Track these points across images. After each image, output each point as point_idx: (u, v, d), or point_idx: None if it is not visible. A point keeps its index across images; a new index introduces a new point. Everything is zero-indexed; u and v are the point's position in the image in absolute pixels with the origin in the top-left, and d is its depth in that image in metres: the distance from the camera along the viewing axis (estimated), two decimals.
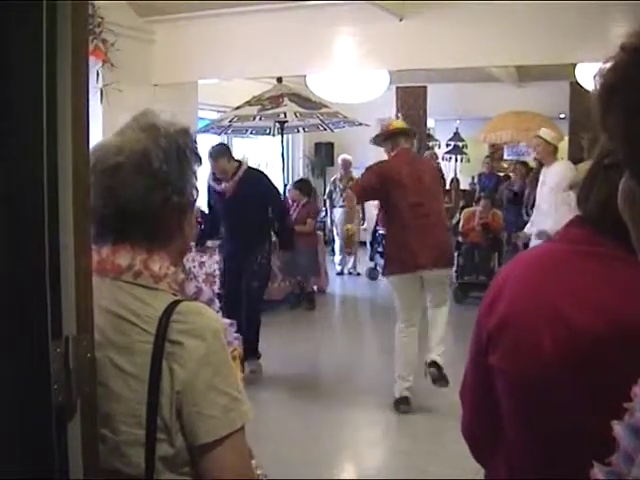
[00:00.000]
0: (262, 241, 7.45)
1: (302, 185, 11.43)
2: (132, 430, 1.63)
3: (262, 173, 7.87)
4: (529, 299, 1.50)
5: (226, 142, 13.29)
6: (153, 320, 1.64)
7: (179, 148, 1.78)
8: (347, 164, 13.50)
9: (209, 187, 7.47)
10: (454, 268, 11.70)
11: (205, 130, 10.67)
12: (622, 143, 0.94)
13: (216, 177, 7.38)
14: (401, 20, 7.96)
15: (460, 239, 11.67)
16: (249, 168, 7.59)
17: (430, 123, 16.84)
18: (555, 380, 1.44)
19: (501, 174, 15.30)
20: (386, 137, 6.76)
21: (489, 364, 1.59)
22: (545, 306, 1.46)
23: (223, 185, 7.34)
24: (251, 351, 7.16)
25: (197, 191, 1.87)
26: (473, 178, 15.75)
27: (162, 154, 1.74)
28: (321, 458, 5.52)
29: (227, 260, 7.70)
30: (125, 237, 1.75)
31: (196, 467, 1.66)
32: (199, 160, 1.87)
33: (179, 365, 1.61)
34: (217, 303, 1.84)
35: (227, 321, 1.77)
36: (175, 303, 1.68)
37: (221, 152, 7.45)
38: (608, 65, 0.96)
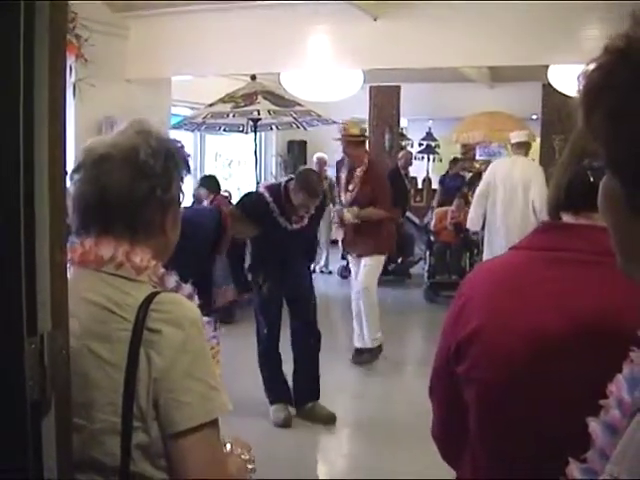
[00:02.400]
0: None
1: (208, 182, 10.65)
2: (109, 418, 1.64)
3: None
4: (497, 309, 1.51)
5: (199, 138, 13.33)
6: (132, 309, 1.67)
7: (168, 150, 1.83)
8: (322, 163, 13.51)
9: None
10: (426, 267, 11.80)
11: (178, 127, 10.62)
12: (606, 144, 0.95)
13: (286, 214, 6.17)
14: (375, 20, 7.99)
15: (432, 238, 11.73)
16: None
17: (403, 122, 16.90)
18: (526, 387, 1.45)
19: (469, 174, 15.36)
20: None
21: (457, 374, 1.60)
22: (513, 316, 1.48)
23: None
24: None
25: (182, 194, 1.91)
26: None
27: (150, 150, 1.79)
28: None
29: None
30: (108, 230, 1.78)
31: (169, 459, 1.66)
32: (187, 168, 1.91)
33: (157, 353, 1.63)
34: (196, 299, 1.86)
35: (205, 318, 1.78)
36: (155, 293, 1.71)
37: None
38: (592, 66, 0.97)
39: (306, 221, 6.23)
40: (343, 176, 8.13)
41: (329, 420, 6.20)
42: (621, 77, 0.92)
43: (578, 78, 0.99)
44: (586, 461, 1.01)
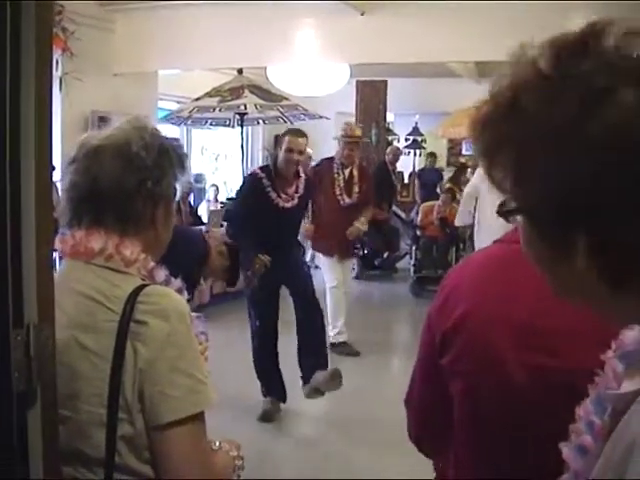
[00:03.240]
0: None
1: None
2: (95, 409, 1.65)
3: None
4: (482, 301, 1.52)
5: (185, 133, 13.29)
6: (120, 300, 1.67)
7: (162, 145, 1.84)
8: (308, 158, 13.46)
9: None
10: (412, 262, 11.82)
11: (165, 120, 10.60)
12: (512, 193, 0.97)
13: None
14: (362, 14, 8.00)
15: (418, 233, 11.75)
16: None
17: (390, 117, 16.89)
18: (512, 380, 1.46)
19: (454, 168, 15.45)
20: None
21: (441, 366, 1.61)
22: (498, 308, 1.49)
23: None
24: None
25: (176, 191, 1.91)
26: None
27: (143, 143, 1.80)
28: None
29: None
30: (99, 221, 1.79)
31: (152, 451, 1.66)
32: (183, 167, 1.91)
33: (143, 344, 1.63)
34: (185, 294, 1.86)
35: (194, 314, 1.79)
36: (143, 286, 1.71)
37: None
38: (483, 120, 1.00)
39: (296, 200, 6.30)
40: (340, 177, 8.18)
41: (318, 390, 6.22)
42: (517, 131, 0.93)
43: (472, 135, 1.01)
44: None
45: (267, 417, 6.19)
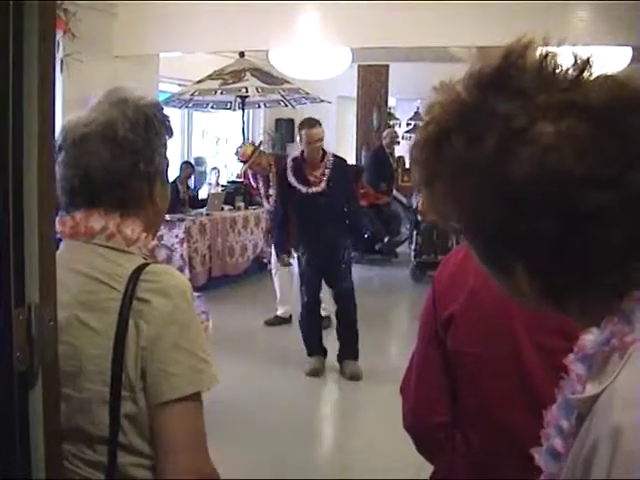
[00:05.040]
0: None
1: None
2: (97, 387, 1.65)
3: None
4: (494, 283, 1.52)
5: (187, 116, 13.28)
6: (122, 279, 1.67)
7: (147, 118, 1.79)
8: None
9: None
10: (412, 247, 11.83)
11: (166, 103, 10.58)
12: (457, 215, 1.01)
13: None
14: None
15: (419, 218, 11.74)
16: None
17: (391, 102, 16.85)
18: (525, 362, 1.46)
19: None
20: None
21: (447, 348, 1.61)
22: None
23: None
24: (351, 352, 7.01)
25: (167, 162, 1.89)
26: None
27: (128, 124, 1.76)
28: None
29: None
30: (98, 205, 1.77)
31: (151, 428, 1.66)
32: (169, 132, 1.88)
33: (145, 322, 1.63)
34: (187, 272, 1.86)
35: (195, 294, 1.78)
36: (145, 264, 1.71)
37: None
38: (422, 140, 1.02)
39: (324, 184, 6.68)
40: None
41: (354, 376, 6.80)
42: (445, 168, 0.97)
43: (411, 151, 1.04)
44: None
45: (315, 373, 6.92)
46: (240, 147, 8.81)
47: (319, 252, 6.79)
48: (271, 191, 8.33)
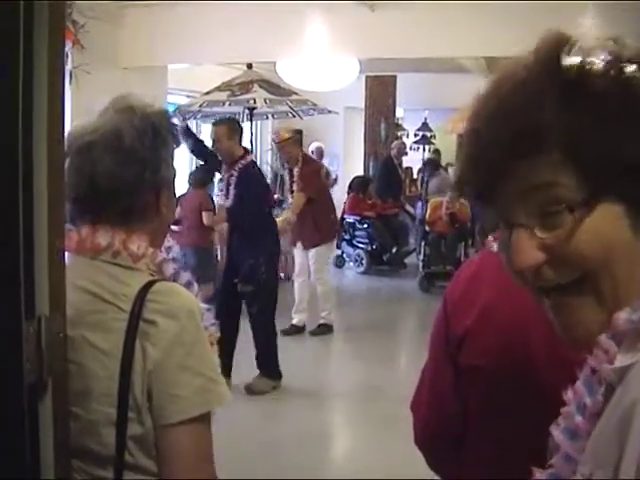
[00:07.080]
0: None
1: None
2: (104, 409, 1.62)
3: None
4: (510, 296, 1.50)
5: (195, 127, 13.28)
6: (129, 299, 1.64)
7: (154, 127, 1.76)
8: (320, 153, 13.43)
9: None
10: (420, 257, 11.82)
11: (174, 115, 10.61)
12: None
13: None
14: (373, 10, 7.97)
15: (427, 229, 11.74)
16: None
17: (399, 113, 16.87)
18: (543, 377, 1.45)
19: None
20: None
21: (460, 363, 1.59)
22: (524, 299, 1.48)
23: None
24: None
25: (174, 171, 1.86)
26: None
27: (135, 132, 1.73)
28: None
29: None
30: (103, 218, 1.74)
31: (157, 449, 1.64)
32: (176, 141, 1.85)
33: (152, 344, 1.61)
34: (195, 287, 1.84)
35: (204, 306, 1.76)
36: (151, 283, 1.67)
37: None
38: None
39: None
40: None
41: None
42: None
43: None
44: (552, 467, 1.04)
45: None
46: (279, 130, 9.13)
47: None
48: (294, 186, 8.45)
